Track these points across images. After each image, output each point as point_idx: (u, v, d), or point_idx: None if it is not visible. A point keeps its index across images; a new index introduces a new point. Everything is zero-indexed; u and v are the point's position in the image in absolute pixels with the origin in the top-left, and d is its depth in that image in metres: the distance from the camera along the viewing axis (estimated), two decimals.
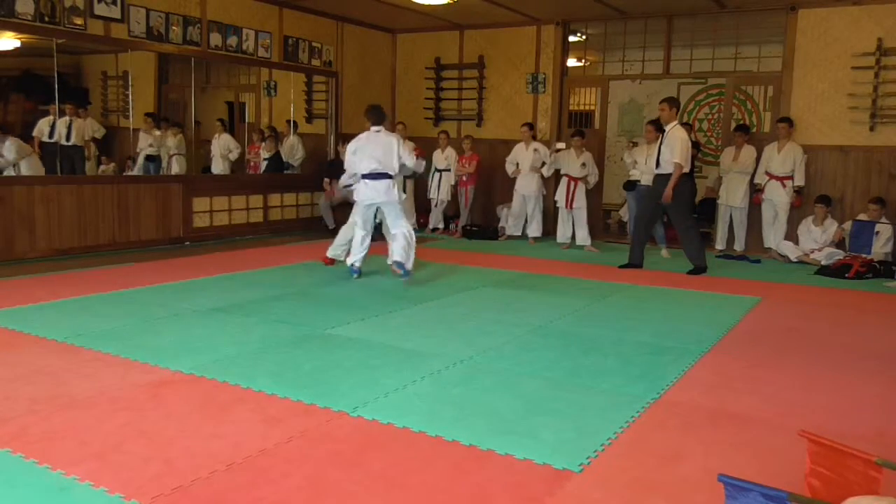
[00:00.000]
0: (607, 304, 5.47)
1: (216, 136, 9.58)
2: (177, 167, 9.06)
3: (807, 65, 8.02)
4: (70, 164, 7.83)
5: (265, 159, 9.64)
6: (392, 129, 9.95)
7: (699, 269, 6.95)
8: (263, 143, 9.72)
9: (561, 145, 9.29)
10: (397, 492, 2.38)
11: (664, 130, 6.98)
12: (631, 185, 8.41)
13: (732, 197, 8.20)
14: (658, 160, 6.96)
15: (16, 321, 4.44)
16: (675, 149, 6.75)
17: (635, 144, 9.26)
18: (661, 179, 6.94)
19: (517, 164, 8.97)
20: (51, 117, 7.90)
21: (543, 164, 8.89)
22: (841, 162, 7.95)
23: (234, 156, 9.57)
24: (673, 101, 7.03)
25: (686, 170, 6.87)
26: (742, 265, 7.71)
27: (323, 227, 9.20)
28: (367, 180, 6.00)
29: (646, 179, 7.88)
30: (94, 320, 4.51)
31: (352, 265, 6.25)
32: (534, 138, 8.97)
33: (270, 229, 9.00)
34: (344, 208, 9.18)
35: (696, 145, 10.18)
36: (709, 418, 3.12)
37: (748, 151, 8.12)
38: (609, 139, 10.78)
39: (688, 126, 8.55)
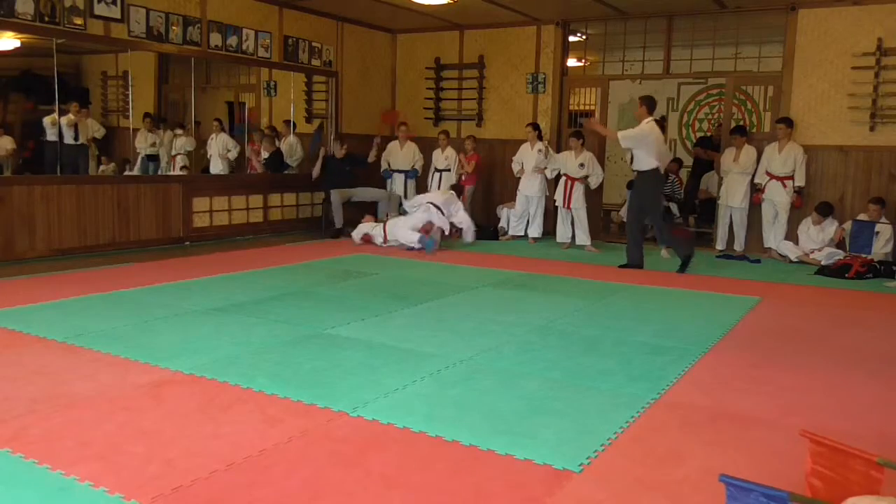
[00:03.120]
0: (607, 304, 5.47)
1: (213, 135, 9.58)
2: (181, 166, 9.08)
3: (807, 65, 8.01)
4: (74, 163, 7.84)
5: (264, 159, 9.64)
6: (395, 130, 10.00)
7: (683, 265, 7.06)
8: (262, 143, 9.71)
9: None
10: (397, 492, 2.38)
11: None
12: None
13: (733, 197, 8.20)
14: (632, 158, 7.11)
15: (16, 321, 4.44)
16: (630, 131, 6.99)
17: None
18: (639, 176, 7.14)
19: (522, 164, 8.99)
20: (54, 115, 7.91)
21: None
22: (841, 162, 7.94)
23: (232, 155, 9.57)
24: (645, 100, 7.07)
25: (655, 165, 7.00)
26: (742, 265, 7.71)
27: (324, 226, 9.20)
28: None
29: None
30: (94, 320, 4.51)
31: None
32: (539, 139, 8.97)
33: (270, 229, 9.00)
34: (347, 206, 9.19)
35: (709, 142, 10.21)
36: (709, 418, 3.12)
37: (748, 152, 8.12)
38: (609, 139, 10.78)
39: (662, 122, 8.65)
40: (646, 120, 6.96)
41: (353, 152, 9.25)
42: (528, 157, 8.93)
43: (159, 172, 8.98)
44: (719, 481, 1.70)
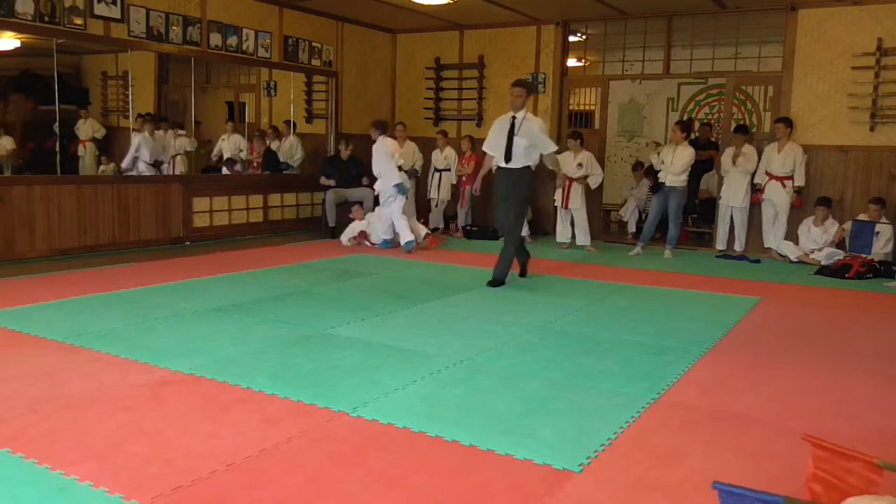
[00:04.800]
0: (607, 304, 5.47)
1: (225, 135, 9.59)
2: (181, 167, 9.08)
3: (807, 65, 8.02)
4: None
5: (258, 160, 9.66)
6: (392, 130, 9.99)
7: (496, 283, 6.08)
8: (254, 143, 9.71)
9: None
10: (397, 492, 2.38)
11: (515, 117, 6.04)
12: (658, 188, 8.38)
13: (734, 197, 8.20)
14: (510, 153, 6.00)
15: (16, 321, 4.43)
16: (546, 139, 6.07)
17: (658, 144, 9.30)
18: (509, 174, 6.08)
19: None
20: None
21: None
22: (841, 162, 7.95)
23: (244, 155, 9.60)
24: (527, 86, 6.20)
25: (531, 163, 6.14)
26: (742, 265, 7.71)
27: (322, 226, 9.20)
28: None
29: (670, 180, 7.90)
30: (94, 320, 4.51)
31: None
32: None
33: (270, 229, 9.00)
34: (346, 207, 9.19)
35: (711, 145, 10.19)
36: (709, 418, 3.12)
37: (749, 151, 8.12)
38: (609, 139, 10.78)
39: (689, 123, 8.57)
40: (525, 109, 6.09)
41: (356, 155, 9.23)
42: None
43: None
44: (713, 489, 1.68)
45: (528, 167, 6.09)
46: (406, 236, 7.90)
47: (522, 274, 6.48)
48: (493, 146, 6.20)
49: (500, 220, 6.37)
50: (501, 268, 6.13)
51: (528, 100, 6.13)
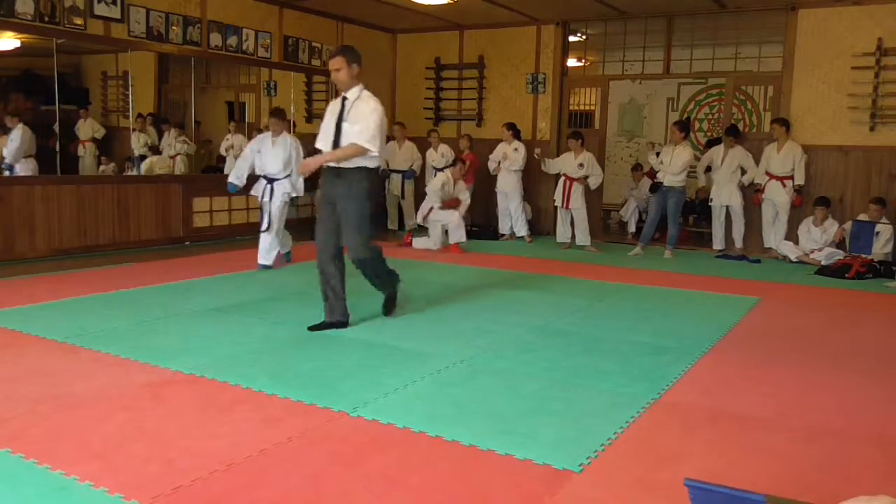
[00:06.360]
0: (607, 304, 5.47)
1: (229, 136, 9.58)
2: (182, 167, 9.07)
3: (807, 65, 8.02)
4: None
5: None
6: (390, 129, 9.99)
7: (390, 300, 4.84)
8: None
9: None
10: (397, 492, 2.38)
11: (346, 98, 4.41)
12: (657, 188, 8.41)
13: (726, 196, 8.23)
14: (338, 145, 4.37)
15: (16, 321, 4.43)
16: (368, 126, 4.28)
17: (656, 145, 9.34)
18: (338, 176, 4.40)
19: (499, 161, 9.12)
20: None
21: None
22: (841, 162, 7.95)
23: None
24: (350, 53, 4.39)
25: (376, 164, 4.46)
26: (742, 265, 7.71)
27: None
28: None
29: (668, 180, 7.91)
30: (94, 320, 4.51)
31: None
32: (516, 138, 9.02)
33: None
34: None
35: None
36: (709, 418, 3.12)
37: (736, 152, 8.15)
38: (609, 139, 10.79)
39: (687, 123, 8.49)
40: (360, 87, 4.41)
41: None
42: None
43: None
44: (684, 485, 1.60)
45: (364, 168, 4.37)
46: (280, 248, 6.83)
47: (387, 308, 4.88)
48: (321, 137, 4.51)
49: (319, 237, 4.48)
50: (385, 284, 4.79)
51: (353, 70, 4.35)
